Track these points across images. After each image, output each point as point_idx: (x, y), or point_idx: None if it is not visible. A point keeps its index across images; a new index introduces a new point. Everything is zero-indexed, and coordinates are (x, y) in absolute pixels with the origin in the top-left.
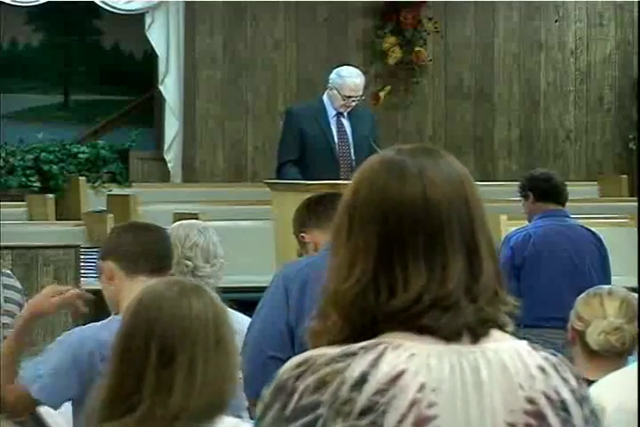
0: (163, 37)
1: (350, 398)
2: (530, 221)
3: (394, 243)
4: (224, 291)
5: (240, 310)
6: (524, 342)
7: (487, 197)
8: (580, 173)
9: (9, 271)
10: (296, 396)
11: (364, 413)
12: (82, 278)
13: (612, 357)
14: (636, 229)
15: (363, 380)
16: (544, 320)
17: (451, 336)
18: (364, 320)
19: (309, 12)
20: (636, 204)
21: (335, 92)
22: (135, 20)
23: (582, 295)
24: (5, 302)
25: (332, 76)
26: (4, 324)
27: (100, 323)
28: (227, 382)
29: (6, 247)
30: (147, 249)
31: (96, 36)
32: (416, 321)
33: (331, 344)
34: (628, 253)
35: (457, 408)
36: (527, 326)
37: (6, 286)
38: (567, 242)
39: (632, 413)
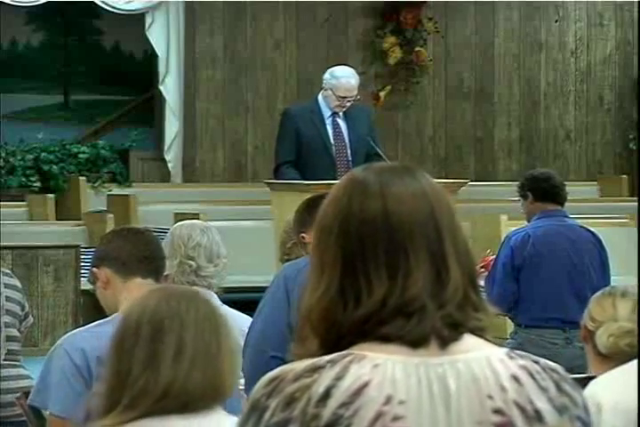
0: (163, 37)
1: (316, 414)
2: (529, 221)
3: (356, 255)
4: (224, 291)
5: (241, 310)
6: (502, 351)
7: (487, 197)
8: (580, 173)
9: (8, 271)
10: (268, 414)
11: None
12: (82, 278)
13: (621, 359)
14: (635, 229)
15: (327, 394)
16: (543, 320)
17: (417, 342)
18: (336, 334)
19: (309, 12)
20: (636, 204)
21: (330, 92)
22: (135, 20)
23: (597, 294)
24: (6, 301)
25: (326, 76)
26: (5, 323)
27: (94, 324)
28: (221, 371)
29: (6, 247)
30: (138, 251)
31: (96, 36)
32: (380, 329)
33: None
34: (628, 253)
35: (424, 421)
36: (527, 327)
37: (7, 286)
38: (566, 242)
39: (630, 412)
